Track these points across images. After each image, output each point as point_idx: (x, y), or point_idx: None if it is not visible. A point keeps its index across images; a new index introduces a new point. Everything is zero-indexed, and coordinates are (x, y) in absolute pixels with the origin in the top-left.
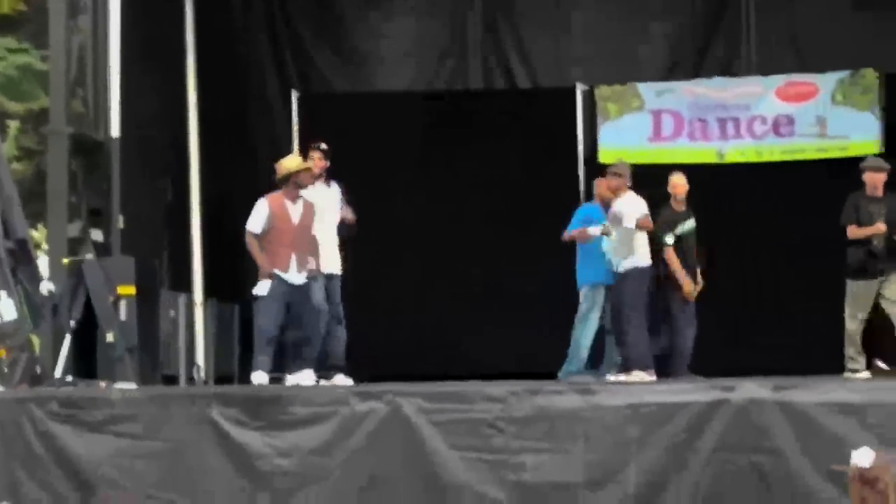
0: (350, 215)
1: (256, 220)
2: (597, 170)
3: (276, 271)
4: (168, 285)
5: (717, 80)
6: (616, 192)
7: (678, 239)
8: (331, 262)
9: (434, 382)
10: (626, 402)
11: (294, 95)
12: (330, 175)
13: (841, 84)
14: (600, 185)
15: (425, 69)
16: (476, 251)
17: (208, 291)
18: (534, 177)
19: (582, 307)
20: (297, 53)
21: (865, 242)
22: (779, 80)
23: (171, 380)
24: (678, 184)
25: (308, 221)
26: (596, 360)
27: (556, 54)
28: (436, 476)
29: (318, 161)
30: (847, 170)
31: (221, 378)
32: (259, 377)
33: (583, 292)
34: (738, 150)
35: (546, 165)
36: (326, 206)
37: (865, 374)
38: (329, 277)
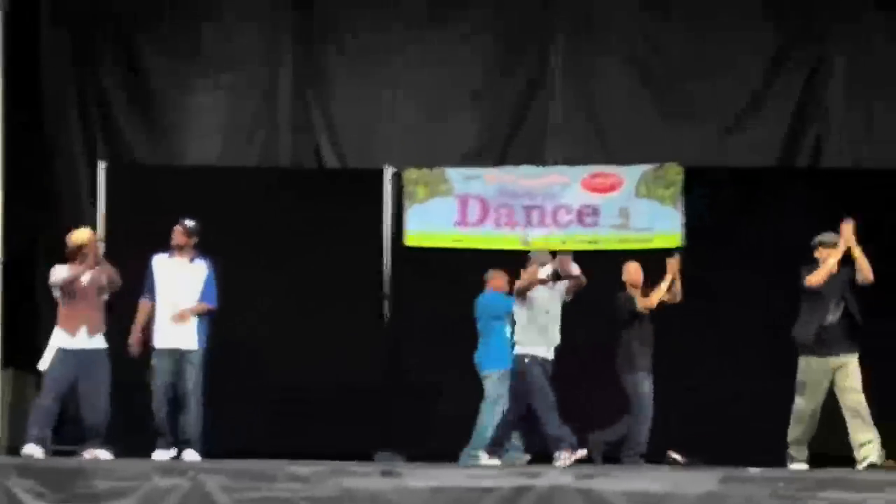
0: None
1: (55, 274)
2: (401, 253)
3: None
4: None
5: (524, 168)
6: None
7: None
8: (186, 336)
9: (240, 460)
10: (431, 485)
11: (101, 166)
12: (196, 252)
13: (645, 177)
14: (496, 276)
15: (235, 145)
16: (279, 330)
17: (6, 360)
18: (339, 257)
19: (491, 393)
20: (106, 124)
21: (818, 318)
22: (584, 170)
23: None
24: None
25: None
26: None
27: (365, 135)
28: None
29: (178, 235)
30: (649, 260)
31: (15, 449)
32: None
33: (494, 378)
34: (544, 238)
35: (351, 246)
36: (185, 281)
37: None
38: (184, 353)
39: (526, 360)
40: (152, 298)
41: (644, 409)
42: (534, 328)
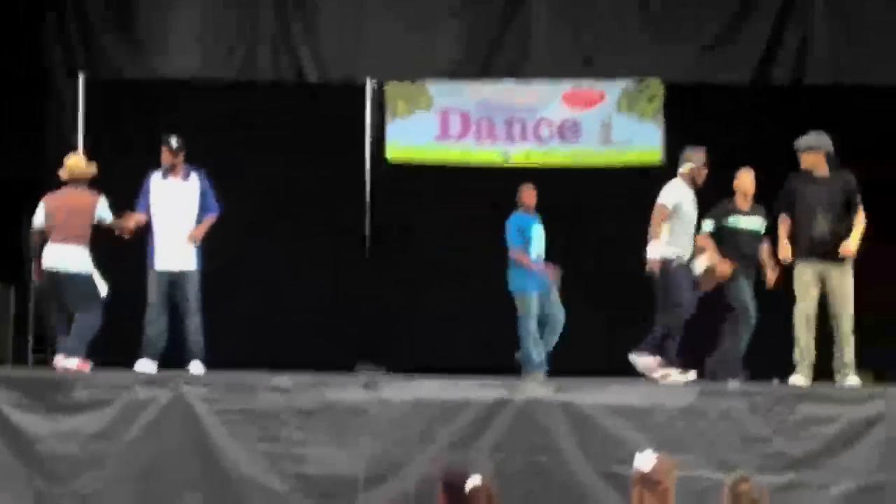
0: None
1: (36, 218)
2: (383, 167)
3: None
4: None
5: (506, 82)
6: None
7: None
8: (184, 258)
9: (220, 371)
10: (410, 397)
11: (81, 79)
12: (187, 167)
13: (626, 92)
14: (524, 192)
15: (214, 58)
16: (260, 245)
17: None
18: (320, 171)
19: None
20: (85, 37)
21: (806, 229)
22: (566, 85)
23: None
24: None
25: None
26: None
27: (346, 49)
28: (217, 466)
29: (165, 155)
30: (629, 177)
31: None
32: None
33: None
34: (524, 153)
35: (333, 161)
36: (180, 200)
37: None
38: (182, 273)
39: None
40: (147, 214)
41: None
42: (684, 237)
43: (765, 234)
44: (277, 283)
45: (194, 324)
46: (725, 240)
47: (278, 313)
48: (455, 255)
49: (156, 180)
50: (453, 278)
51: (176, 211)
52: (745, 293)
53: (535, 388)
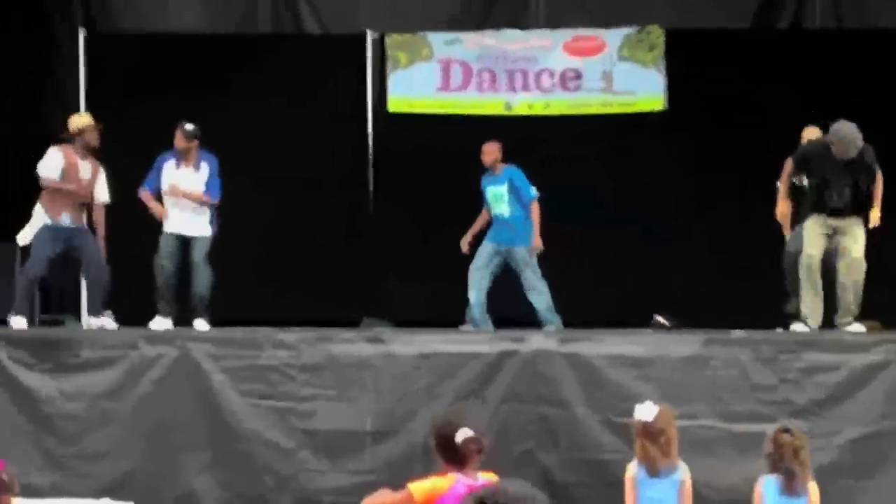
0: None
1: (50, 167)
2: (385, 118)
3: (48, 217)
4: None
5: (506, 31)
6: None
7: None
8: (195, 225)
9: (226, 328)
10: (416, 351)
11: (81, 35)
12: (200, 154)
13: (627, 40)
14: (482, 151)
15: (214, 11)
16: (265, 199)
17: None
18: (322, 124)
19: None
20: None
21: (822, 195)
22: (566, 34)
23: None
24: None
25: (93, 184)
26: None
27: (346, 1)
28: (225, 422)
29: (178, 140)
30: (632, 124)
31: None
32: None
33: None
34: (527, 103)
35: (335, 113)
36: (191, 189)
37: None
38: (193, 238)
39: None
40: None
41: None
42: None
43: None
44: (282, 237)
45: (201, 281)
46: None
47: (283, 267)
48: (460, 207)
49: (169, 168)
50: (459, 231)
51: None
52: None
53: (541, 339)
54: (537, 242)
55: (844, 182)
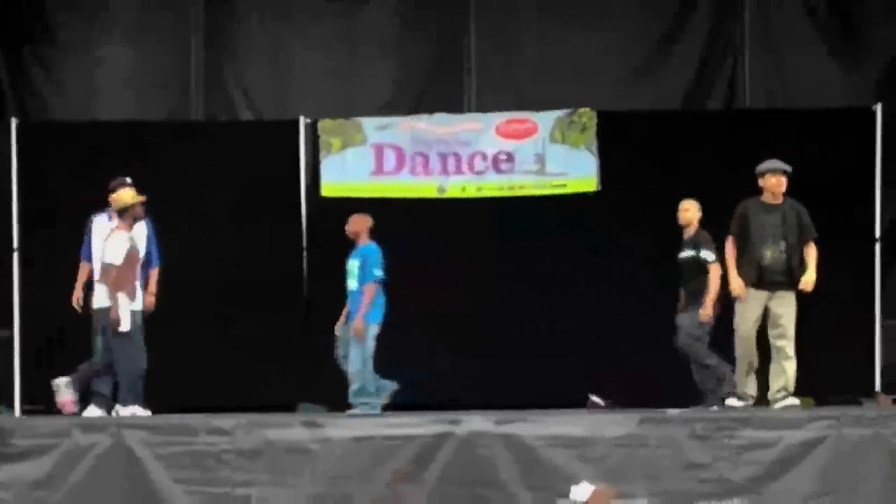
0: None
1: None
2: (319, 204)
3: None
4: None
5: (439, 115)
6: None
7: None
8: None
9: (160, 415)
10: (352, 434)
11: (13, 123)
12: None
13: (559, 122)
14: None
15: (147, 100)
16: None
17: None
18: (256, 209)
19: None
20: (16, 81)
21: (756, 256)
22: (499, 117)
23: None
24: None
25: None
26: None
27: (279, 88)
28: None
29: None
30: (565, 206)
31: None
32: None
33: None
34: (460, 186)
35: (269, 199)
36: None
37: (735, 402)
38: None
39: None
40: (89, 260)
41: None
42: None
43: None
44: (215, 321)
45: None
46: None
47: (217, 351)
48: (393, 288)
49: (99, 222)
50: (393, 314)
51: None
52: None
53: (478, 421)
54: (357, 326)
55: (779, 237)
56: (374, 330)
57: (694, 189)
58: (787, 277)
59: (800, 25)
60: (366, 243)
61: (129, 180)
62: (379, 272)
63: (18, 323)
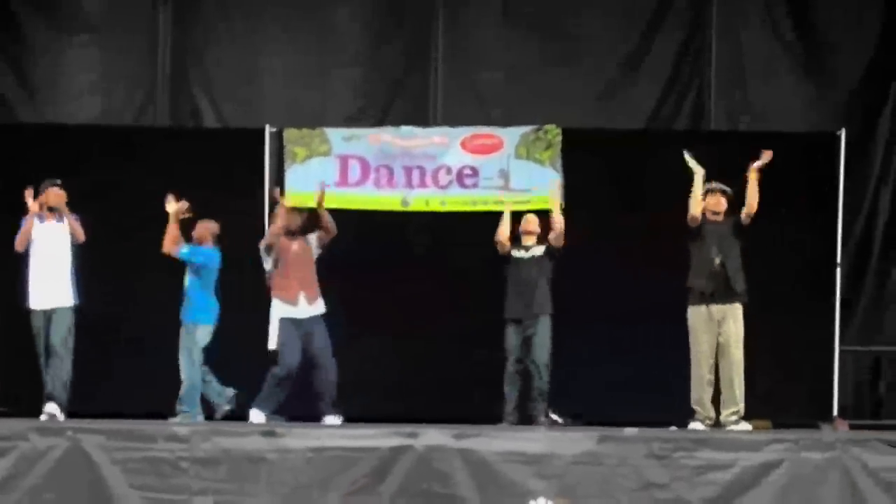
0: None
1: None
2: None
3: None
4: None
5: (404, 128)
6: None
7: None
8: (58, 295)
9: (117, 420)
10: (309, 445)
11: None
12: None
13: (525, 139)
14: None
15: (113, 105)
16: (158, 290)
17: None
18: (219, 217)
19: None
20: None
21: (701, 271)
22: (464, 132)
23: None
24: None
25: None
26: None
27: (245, 97)
28: None
29: (52, 197)
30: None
31: None
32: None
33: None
34: (423, 199)
35: (232, 208)
36: (58, 240)
37: (698, 426)
38: (55, 310)
39: None
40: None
41: None
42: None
43: None
44: (174, 330)
45: (55, 364)
46: None
47: (171, 360)
48: (355, 300)
49: (29, 222)
50: (356, 325)
51: (50, 250)
52: None
53: (435, 435)
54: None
55: (721, 249)
56: (204, 331)
57: (656, 206)
58: (731, 290)
59: (767, 48)
60: (209, 248)
61: (58, 181)
62: (213, 275)
63: None
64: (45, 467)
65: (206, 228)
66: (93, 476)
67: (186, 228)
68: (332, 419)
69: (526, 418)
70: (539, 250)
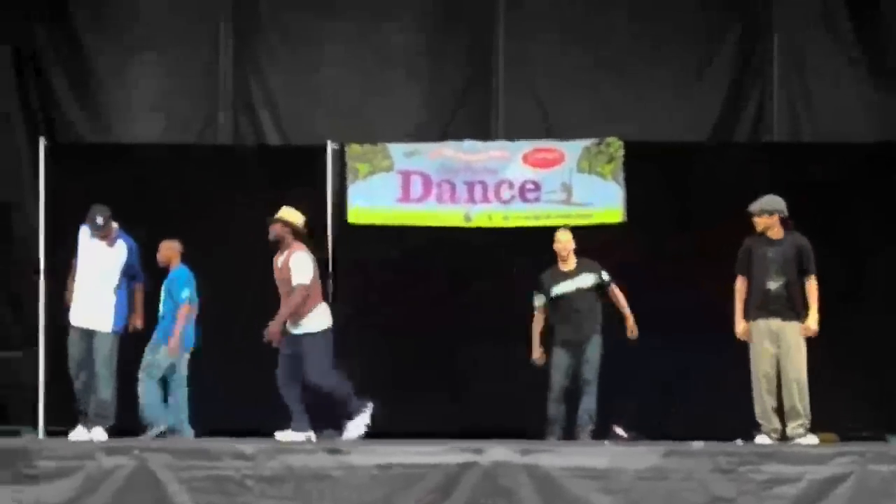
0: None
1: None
2: (345, 229)
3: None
4: None
5: (466, 143)
6: None
7: (552, 300)
8: (101, 317)
9: (184, 438)
10: (375, 462)
11: (42, 144)
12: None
13: (587, 152)
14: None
15: (175, 123)
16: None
17: None
18: None
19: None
20: (46, 102)
21: (760, 287)
22: (526, 145)
23: None
24: (558, 241)
25: None
26: None
27: (307, 113)
28: None
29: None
30: (591, 236)
31: None
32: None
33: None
34: (486, 214)
35: None
36: (108, 265)
37: (764, 439)
38: (95, 333)
39: None
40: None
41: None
42: None
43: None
44: (240, 348)
45: (100, 386)
46: None
47: (241, 378)
48: (419, 316)
49: (84, 235)
50: (419, 342)
51: (104, 274)
52: None
53: (501, 451)
54: (173, 346)
55: (780, 269)
56: (184, 353)
57: (719, 219)
58: (791, 310)
59: (830, 57)
60: (176, 267)
61: (99, 220)
62: (187, 294)
63: (44, 342)
64: (112, 487)
65: (171, 248)
66: (159, 495)
67: (152, 249)
68: (352, 426)
69: (572, 439)
70: (586, 281)
